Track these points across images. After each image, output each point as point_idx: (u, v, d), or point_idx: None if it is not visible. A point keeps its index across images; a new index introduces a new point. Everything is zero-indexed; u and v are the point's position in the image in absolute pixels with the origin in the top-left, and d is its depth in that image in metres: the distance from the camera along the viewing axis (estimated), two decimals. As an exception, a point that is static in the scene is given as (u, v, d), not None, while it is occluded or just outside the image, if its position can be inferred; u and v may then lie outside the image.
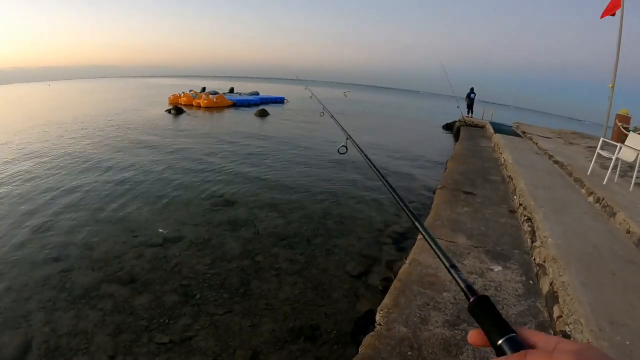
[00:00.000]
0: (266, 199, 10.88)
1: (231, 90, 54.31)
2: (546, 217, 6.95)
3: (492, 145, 18.24)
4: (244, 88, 65.84)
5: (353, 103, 62.85)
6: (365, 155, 1.79)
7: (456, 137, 24.35)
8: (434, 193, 10.04)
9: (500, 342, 0.63)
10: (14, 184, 12.09)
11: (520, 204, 8.39)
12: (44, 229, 8.96)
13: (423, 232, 1.09)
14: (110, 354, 5.02)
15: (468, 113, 31.26)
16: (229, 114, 33.73)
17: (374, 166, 1.66)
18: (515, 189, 9.57)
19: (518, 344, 0.61)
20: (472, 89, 31.91)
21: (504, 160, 13.27)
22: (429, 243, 0.99)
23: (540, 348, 0.58)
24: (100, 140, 19.90)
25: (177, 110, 32.31)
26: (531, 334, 0.62)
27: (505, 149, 14.62)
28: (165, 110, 33.33)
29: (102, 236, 8.48)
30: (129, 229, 8.85)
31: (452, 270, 0.84)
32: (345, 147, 2.65)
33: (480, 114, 31.77)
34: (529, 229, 7.00)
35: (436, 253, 0.94)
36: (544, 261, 5.56)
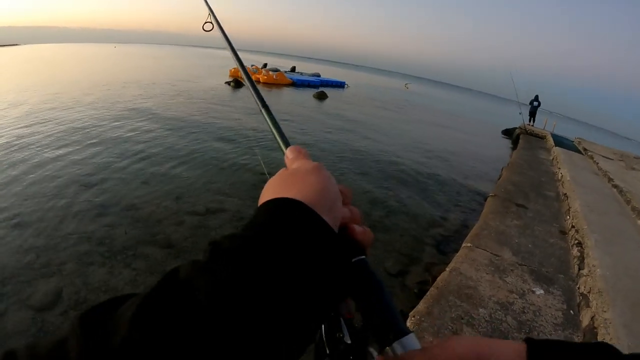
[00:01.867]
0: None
1: (293, 69, 54.40)
2: (597, 245, 6.68)
3: (551, 158, 17.63)
4: (306, 68, 65.90)
5: (414, 96, 62.25)
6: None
7: (514, 145, 23.80)
8: (485, 200, 9.80)
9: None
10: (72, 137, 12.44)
11: (573, 226, 8.05)
12: (92, 183, 9.17)
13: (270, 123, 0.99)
14: (137, 314, 5.04)
15: (530, 121, 30.48)
16: (287, 92, 33.76)
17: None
18: (569, 209, 9.21)
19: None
20: (536, 97, 31.05)
21: (561, 176, 12.82)
22: (267, 123, 0.96)
23: None
24: (162, 103, 20.51)
25: (236, 83, 32.52)
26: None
27: (563, 165, 14.17)
28: (225, 82, 33.87)
29: (147, 198, 8.62)
30: (175, 194, 8.94)
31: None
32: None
33: (541, 123, 30.90)
34: (578, 254, 6.71)
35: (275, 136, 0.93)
36: (589, 292, 5.31)
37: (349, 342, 0.57)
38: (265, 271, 0.42)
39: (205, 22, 1.83)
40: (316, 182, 0.59)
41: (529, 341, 0.52)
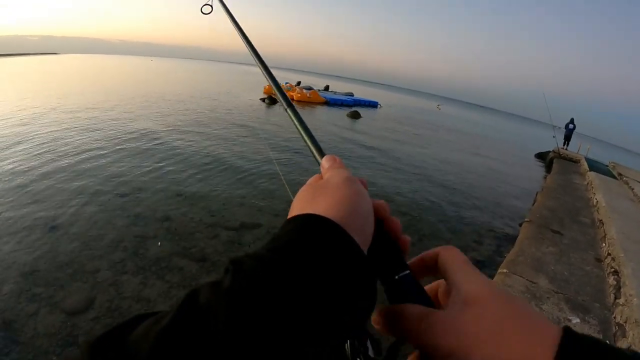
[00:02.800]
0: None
1: (326, 88, 54.64)
2: (634, 274, 6.52)
3: (585, 183, 17.35)
4: (339, 87, 66.16)
5: (446, 117, 61.94)
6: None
7: (548, 169, 23.47)
8: (520, 225, 9.67)
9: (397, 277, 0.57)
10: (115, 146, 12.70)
11: (609, 254, 7.89)
12: (128, 193, 9.33)
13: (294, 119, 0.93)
14: (167, 327, 5.08)
15: (564, 144, 30.10)
16: (321, 111, 33.88)
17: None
18: (605, 236, 9.04)
19: (411, 286, 0.57)
20: (572, 120, 30.66)
21: (596, 201, 12.60)
22: (295, 125, 0.90)
23: (443, 288, 0.59)
24: (199, 117, 21.03)
25: (271, 100, 32.85)
26: (445, 263, 0.58)
27: (598, 190, 13.93)
28: (260, 99, 34.33)
29: (182, 210, 8.74)
30: (210, 208, 9.04)
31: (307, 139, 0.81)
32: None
33: (575, 147, 30.47)
34: (614, 282, 6.57)
35: (304, 138, 0.85)
36: (625, 322, 5.20)
37: (373, 356, 0.56)
38: (289, 297, 0.41)
39: (204, 5, 1.75)
40: (347, 197, 0.56)
41: (566, 331, 0.45)
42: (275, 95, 1.03)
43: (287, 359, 0.38)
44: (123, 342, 0.37)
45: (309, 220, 0.50)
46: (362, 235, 0.53)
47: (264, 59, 1.25)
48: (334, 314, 0.43)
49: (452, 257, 0.57)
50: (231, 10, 1.54)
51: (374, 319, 0.56)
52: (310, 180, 0.67)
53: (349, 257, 0.47)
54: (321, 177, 0.68)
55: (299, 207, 0.58)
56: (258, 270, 0.42)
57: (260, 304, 0.39)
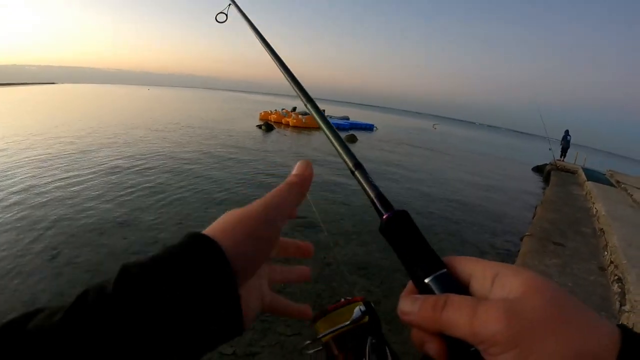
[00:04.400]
0: (348, 225, 10.70)
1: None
2: (639, 280, 6.52)
3: (584, 193, 17.36)
4: (334, 112, 66.47)
5: (442, 136, 62.14)
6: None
7: (546, 181, 23.56)
8: (521, 240, 9.65)
9: (426, 281, 0.51)
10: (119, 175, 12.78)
11: (612, 262, 7.88)
12: (129, 222, 9.34)
13: (318, 119, 0.86)
14: (172, 355, 5.07)
15: (561, 156, 30.17)
16: (317, 136, 33.79)
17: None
18: (606, 244, 9.04)
19: (449, 284, 0.50)
20: (567, 132, 30.84)
21: (596, 211, 12.61)
22: (327, 135, 0.78)
23: (475, 284, 0.49)
24: (198, 145, 21.25)
25: (267, 126, 33.21)
26: (465, 265, 0.51)
27: (597, 199, 13.95)
28: (257, 126, 34.64)
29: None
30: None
31: (357, 172, 0.68)
32: None
33: (572, 158, 30.53)
34: (619, 290, 6.56)
35: (337, 149, 0.76)
36: (632, 328, 5.18)
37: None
38: (152, 308, 0.44)
39: (219, 13, 1.75)
40: (244, 220, 0.58)
41: (624, 330, 0.43)
42: (295, 91, 1.01)
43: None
44: (21, 333, 0.41)
45: (193, 236, 0.52)
46: (247, 258, 0.55)
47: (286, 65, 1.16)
48: (184, 326, 0.46)
49: (472, 259, 0.52)
50: (248, 16, 1.52)
51: (405, 310, 0.51)
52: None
53: (213, 275, 0.49)
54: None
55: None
56: (137, 277, 0.46)
57: (132, 309, 0.43)
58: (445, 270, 0.51)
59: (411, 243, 0.56)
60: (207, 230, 0.55)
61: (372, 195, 0.64)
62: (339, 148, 0.75)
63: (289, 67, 1.08)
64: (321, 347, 0.66)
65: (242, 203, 0.61)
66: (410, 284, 0.54)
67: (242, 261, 0.53)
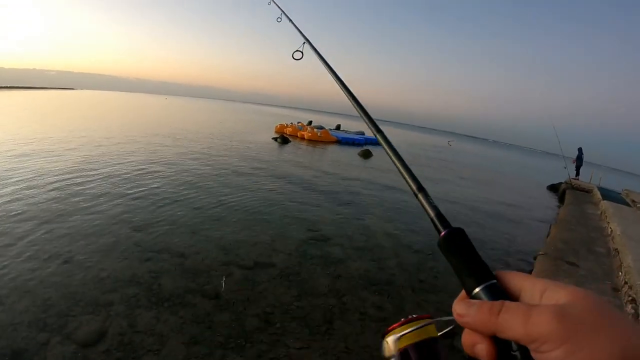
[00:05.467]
0: (360, 241, 10.63)
1: (337, 127, 54.95)
2: (653, 302, 6.45)
3: (599, 212, 17.18)
4: (350, 126, 66.68)
5: (457, 153, 61.90)
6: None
7: (561, 200, 23.31)
8: (535, 259, 9.58)
9: (477, 290, 0.57)
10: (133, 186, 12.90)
11: (626, 282, 7.78)
12: (143, 229, 9.39)
13: (385, 144, 0.96)
14: (180, 362, 5.06)
15: (576, 175, 29.90)
16: (332, 150, 33.96)
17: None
18: (621, 265, 8.92)
19: (498, 293, 0.55)
20: (580, 150, 30.59)
21: (611, 230, 12.47)
22: (393, 161, 0.87)
23: (525, 296, 0.54)
24: (215, 155, 21.62)
25: (283, 139, 33.32)
26: (515, 279, 0.57)
27: (613, 219, 13.78)
28: (272, 138, 34.90)
29: (196, 248, 8.77)
30: (223, 246, 9.05)
31: (419, 195, 0.76)
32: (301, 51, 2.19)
33: (587, 177, 30.28)
34: (633, 311, 6.49)
35: (401, 173, 0.84)
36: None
37: None
38: None
39: (295, 51, 1.88)
40: None
41: None
42: (366, 123, 1.12)
43: None
44: None
45: None
46: None
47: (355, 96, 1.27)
48: None
49: (521, 275, 0.57)
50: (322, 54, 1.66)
51: (461, 313, 0.55)
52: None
53: None
54: None
55: None
56: None
57: None
58: (495, 281, 0.57)
59: (464, 256, 0.62)
60: None
61: (432, 214, 0.71)
62: (404, 173, 0.84)
63: (360, 100, 1.20)
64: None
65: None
66: (462, 293, 0.59)
67: None
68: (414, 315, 0.65)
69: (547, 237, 11.93)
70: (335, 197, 15.06)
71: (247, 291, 7.10)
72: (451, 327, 0.61)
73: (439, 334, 0.62)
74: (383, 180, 21.20)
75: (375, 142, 47.09)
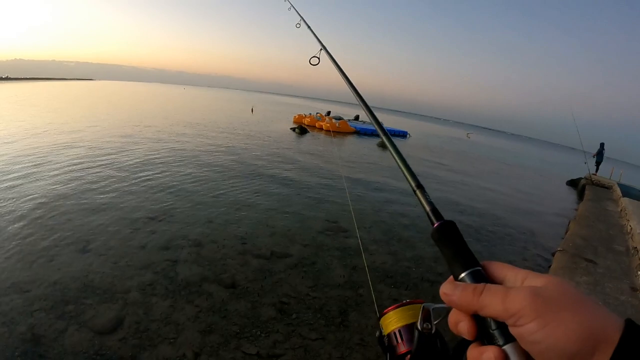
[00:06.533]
0: (378, 233, 10.59)
1: (356, 118, 54.86)
2: (673, 304, 6.37)
3: (619, 209, 16.98)
4: (367, 117, 66.98)
5: (476, 146, 61.45)
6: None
7: (580, 196, 23.06)
8: (553, 255, 9.51)
9: (462, 275, 0.62)
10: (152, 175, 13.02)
11: (644, 282, 7.72)
12: (160, 217, 9.46)
13: (389, 145, 1.07)
14: (195, 351, 5.13)
15: (595, 170, 29.45)
16: (350, 140, 33.91)
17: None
18: (639, 264, 8.85)
19: (482, 278, 0.61)
20: (602, 145, 30.00)
21: (630, 228, 12.30)
22: (395, 159, 0.99)
23: (507, 284, 0.60)
24: (235, 144, 22.04)
25: (301, 129, 33.45)
26: (499, 268, 0.62)
27: (632, 216, 13.59)
28: (290, 128, 35.08)
29: (213, 237, 8.82)
30: (240, 236, 9.09)
31: (418, 191, 0.83)
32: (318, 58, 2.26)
33: (607, 173, 29.84)
34: (652, 312, 6.43)
35: (402, 171, 0.93)
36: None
37: None
38: None
39: (312, 57, 1.93)
40: None
41: (628, 319, 0.51)
42: (378, 131, 1.22)
43: None
44: None
45: None
46: None
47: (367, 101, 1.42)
48: None
49: (506, 265, 0.62)
50: (337, 60, 1.75)
51: (448, 292, 0.61)
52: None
53: None
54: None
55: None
56: None
57: None
58: (480, 268, 0.62)
59: (453, 245, 0.67)
60: None
61: (427, 209, 0.77)
62: (404, 170, 0.93)
63: (370, 106, 1.34)
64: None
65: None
66: (450, 277, 0.65)
67: None
68: (408, 300, 0.76)
69: (566, 233, 11.83)
70: (355, 189, 15.03)
71: (263, 281, 7.12)
72: (443, 315, 0.66)
73: (434, 322, 0.68)
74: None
75: (394, 134, 47.05)
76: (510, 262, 0.61)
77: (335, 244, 9.36)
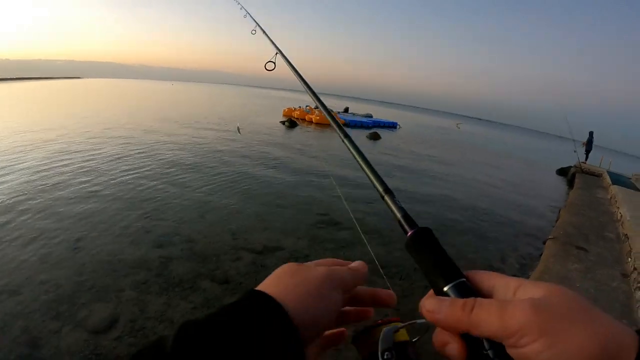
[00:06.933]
0: (370, 224, 10.53)
1: (346, 110, 54.85)
2: (663, 288, 6.44)
3: (609, 197, 17.11)
4: (358, 109, 66.40)
5: (466, 136, 61.56)
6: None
7: (570, 184, 23.14)
8: (544, 243, 9.55)
9: (446, 288, 0.55)
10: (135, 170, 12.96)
11: (635, 269, 7.76)
12: (152, 215, 9.43)
13: (351, 149, 1.00)
14: (190, 347, 5.11)
15: (585, 159, 29.68)
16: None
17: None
18: (630, 250, 8.89)
19: (468, 292, 0.54)
20: (591, 134, 30.27)
21: (620, 216, 12.42)
22: (361, 166, 0.90)
23: (498, 294, 0.52)
24: (224, 139, 21.81)
25: (290, 123, 33.39)
26: (486, 277, 0.55)
27: (622, 204, 13.72)
28: (280, 122, 34.95)
29: (206, 233, 8.80)
30: (232, 231, 9.08)
31: (386, 197, 0.76)
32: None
33: (597, 161, 30.06)
34: (643, 297, 6.50)
35: (368, 177, 0.85)
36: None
37: None
38: None
39: (268, 62, 1.91)
40: (304, 281, 0.57)
41: None
42: (333, 127, 1.11)
43: None
44: None
45: (252, 294, 0.52)
46: (312, 319, 0.53)
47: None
48: None
49: (494, 274, 0.56)
50: (293, 63, 1.75)
51: (432, 309, 0.53)
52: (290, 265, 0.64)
53: (275, 330, 0.48)
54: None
55: (267, 282, 0.58)
56: (195, 338, 0.45)
57: None
58: (464, 279, 0.55)
59: (432, 255, 0.60)
60: (266, 287, 0.55)
61: (399, 215, 0.69)
62: (370, 175, 0.85)
63: (327, 107, 1.29)
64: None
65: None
66: (430, 292, 0.58)
67: (307, 323, 0.52)
68: (381, 320, 0.64)
69: (557, 221, 11.91)
70: (344, 181, 15.03)
71: (256, 275, 7.13)
72: (425, 331, 0.61)
73: (413, 339, 0.61)
74: (395, 161, 21.26)
75: (384, 125, 46.98)
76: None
77: (328, 237, 9.39)
